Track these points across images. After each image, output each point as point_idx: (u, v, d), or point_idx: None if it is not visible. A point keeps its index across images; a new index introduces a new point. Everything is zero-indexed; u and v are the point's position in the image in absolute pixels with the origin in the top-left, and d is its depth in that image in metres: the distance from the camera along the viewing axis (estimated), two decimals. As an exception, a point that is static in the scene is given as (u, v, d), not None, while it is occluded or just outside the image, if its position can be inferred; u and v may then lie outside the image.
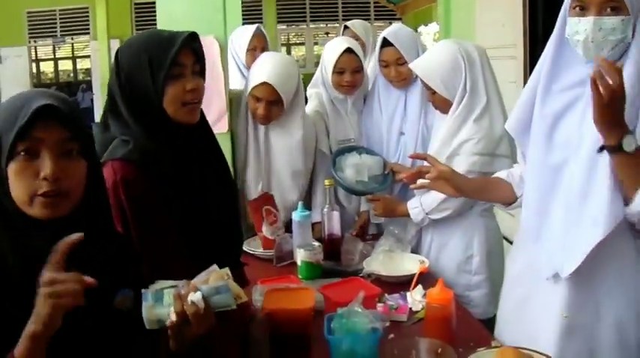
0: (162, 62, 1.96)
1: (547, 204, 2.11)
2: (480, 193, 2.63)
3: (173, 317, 1.49)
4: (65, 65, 23.58)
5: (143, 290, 1.52)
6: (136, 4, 16.39)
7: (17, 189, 1.42)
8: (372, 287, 2.41)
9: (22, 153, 1.41)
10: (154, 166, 1.98)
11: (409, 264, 2.84)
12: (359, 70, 3.37)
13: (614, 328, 2.08)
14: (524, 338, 2.12)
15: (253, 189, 3.30)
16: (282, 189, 3.32)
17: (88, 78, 21.67)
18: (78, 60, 22.95)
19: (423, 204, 2.98)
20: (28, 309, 1.36)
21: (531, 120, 2.17)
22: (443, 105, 2.94)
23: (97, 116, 16.30)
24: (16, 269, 1.42)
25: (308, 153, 3.37)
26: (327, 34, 17.81)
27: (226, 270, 1.62)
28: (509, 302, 2.38)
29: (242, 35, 4.23)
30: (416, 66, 2.96)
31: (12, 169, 1.41)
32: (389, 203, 3.16)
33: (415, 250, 3.10)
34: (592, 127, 1.86)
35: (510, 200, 2.45)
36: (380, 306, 2.38)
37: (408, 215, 3.06)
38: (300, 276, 2.79)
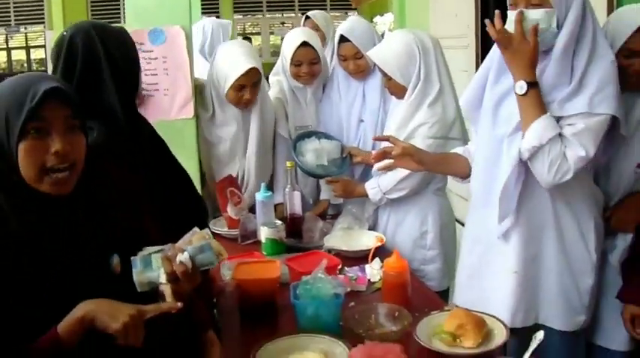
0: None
1: (493, 171, 2.36)
2: (440, 166, 2.83)
3: (163, 279, 1.63)
4: (18, 55, 23.13)
5: (132, 258, 1.65)
6: (91, -7, 16.17)
7: (27, 166, 1.54)
8: (332, 258, 2.58)
9: (33, 132, 1.52)
10: None
11: (367, 240, 3.00)
12: (316, 61, 3.50)
13: (557, 278, 2.38)
14: (480, 299, 2.40)
15: (225, 172, 3.43)
16: (255, 171, 3.47)
17: (42, 68, 21.40)
18: (32, 50, 22.55)
19: (380, 184, 3.14)
20: (32, 280, 1.51)
21: (483, 98, 2.42)
22: (398, 91, 3.09)
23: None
24: (21, 241, 1.54)
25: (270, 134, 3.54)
26: (282, 23, 17.86)
27: (207, 231, 1.75)
28: (466, 268, 2.61)
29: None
30: (373, 54, 3.10)
31: (23, 147, 1.52)
32: (348, 184, 3.31)
33: (373, 228, 3.25)
34: None
35: (467, 173, 2.66)
36: (340, 278, 2.51)
37: (366, 195, 3.21)
38: (264, 253, 2.93)
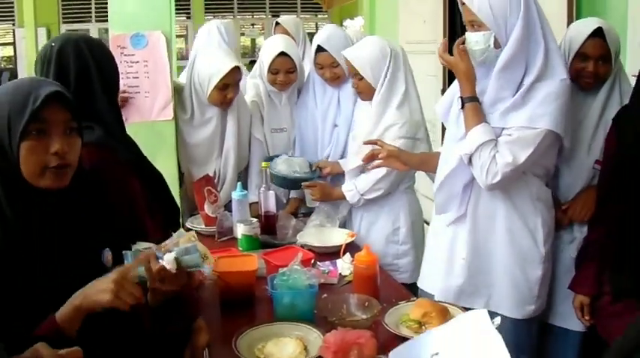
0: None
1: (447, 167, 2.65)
2: (424, 165, 3.08)
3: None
4: (-14, 52, 22.83)
5: (124, 252, 1.77)
6: (62, -8, 16.09)
7: (29, 164, 1.67)
8: (306, 252, 2.74)
9: (34, 133, 1.66)
10: None
11: (338, 237, 3.17)
12: (292, 70, 3.67)
13: (506, 269, 2.65)
14: (436, 282, 2.75)
15: (203, 171, 3.58)
16: (232, 169, 3.64)
17: (10, 66, 21.23)
18: (0, 47, 22.27)
19: (357, 186, 3.32)
20: (26, 270, 1.65)
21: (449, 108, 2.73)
22: (366, 91, 3.27)
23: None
24: (18, 232, 1.67)
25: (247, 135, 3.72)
26: (252, 25, 17.93)
27: (193, 233, 1.87)
28: (427, 256, 2.93)
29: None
30: (347, 52, 3.28)
31: (25, 147, 1.66)
32: (325, 188, 3.47)
33: (345, 226, 3.43)
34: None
35: None
36: (313, 270, 2.67)
37: (343, 197, 3.38)
38: (240, 248, 3.08)
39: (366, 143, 3.11)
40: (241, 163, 3.71)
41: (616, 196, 2.47)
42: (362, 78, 3.23)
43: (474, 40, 2.49)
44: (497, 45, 2.46)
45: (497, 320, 1.98)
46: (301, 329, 2.18)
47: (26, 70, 15.51)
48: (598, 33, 2.64)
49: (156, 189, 2.62)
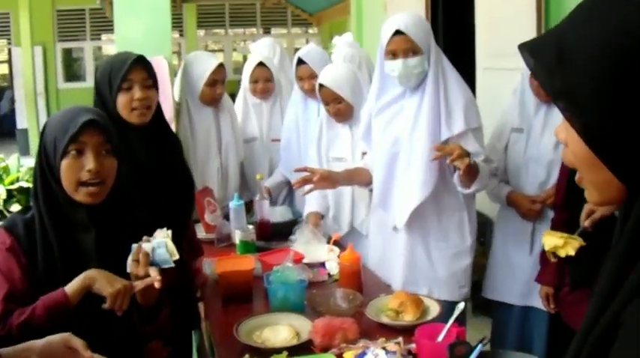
0: (116, 77, 2.56)
1: (388, 182, 3.09)
2: (351, 180, 3.41)
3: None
4: (-18, 70, 22.96)
5: (132, 244, 2.06)
6: (58, 11, 16.34)
7: (67, 179, 2.01)
8: (298, 253, 3.05)
9: (73, 152, 2.00)
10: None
11: (323, 253, 3.27)
12: (270, 79, 4.13)
13: (442, 261, 3.09)
14: (388, 276, 3.10)
15: (207, 171, 3.94)
16: (232, 162, 4.02)
17: (5, 83, 21.45)
18: (-5, 65, 22.40)
19: None
20: (65, 274, 1.98)
21: (370, 127, 3.17)
22: (346, 113, 3.52)
23: (20, 121, 16.35)
24: (56, 241, 2.02)
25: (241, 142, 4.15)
26: (244, 41, 18.22)
27: (168, 232, 2.12)
28: (375, 254, 3.27)
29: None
30: (324, 79, 3.49)
31: (64, 164, 2.00)
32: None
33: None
34: (416, 134, 2.98)
35: (370, 181, 3.29)
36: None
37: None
38: (238, 252, 3.37)
39: (297, 170, 3.35)
40: (239, 157, 4.08)
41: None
42: (341, 101, 3.46)
43: (412, 64, 2.88)
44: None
45: (461, 305, 2.32)
46: (293, 318, 2.48)
47: (23, 87, 15.79)
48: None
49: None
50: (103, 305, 1.92)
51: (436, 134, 2.93)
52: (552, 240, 2.56)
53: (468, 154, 2.79)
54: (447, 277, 3.09)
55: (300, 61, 3.90)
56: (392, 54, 2.90)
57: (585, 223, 2.59)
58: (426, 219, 3.05)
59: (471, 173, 2.83)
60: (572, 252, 2.50)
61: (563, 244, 2.54)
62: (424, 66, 2.91)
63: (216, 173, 3.97)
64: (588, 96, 0.87)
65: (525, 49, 0.95)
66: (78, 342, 1.69)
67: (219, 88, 3.82)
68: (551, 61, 0.90)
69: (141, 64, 2.62)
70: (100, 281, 1.96)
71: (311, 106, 4.00)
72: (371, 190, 3.34)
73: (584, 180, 0.96)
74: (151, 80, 2.65)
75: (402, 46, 2.87)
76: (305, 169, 3.28)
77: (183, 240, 2.89)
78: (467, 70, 5.32)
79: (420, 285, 3.06)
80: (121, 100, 2.58)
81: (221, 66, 3.83)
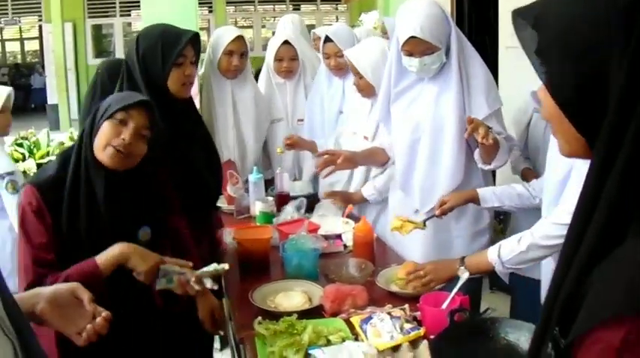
0: (171, 53, 2.67)
1: (410, 168, 3.14)
2: (368, 160, 3.49)
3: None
4: (12, 47, 23.23)
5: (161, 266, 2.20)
6: (88, -12, 16.48)
7: (101, 138, 2.18)
8: (312, 223, 3.17)
9: (118, 118, 2.18)
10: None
11: (339, 225, 3.43)
12: (295, 58, 4.18)
13: (462, 241, 3.13)
14: (407, 254, 3.10)
15: (225, 141, 4.00)
16: (252, 134, 4.08)
17: (36, 59, 21.69)
18: (26, 42, 22.69)
19: (376, 187, 3.60)
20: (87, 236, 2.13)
21: (389, 111, 3.21)
22: (367, 90, 3.56)
23: (50, 96, 16.59)
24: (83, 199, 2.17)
25: (264, 120, 4.18)
26: (274, 18, 18.22)
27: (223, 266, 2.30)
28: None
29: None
30: (349, 53, 3.58)
31: (105, 124, 2.18)
32: (345, 195, 3.73)
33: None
34: (440, 122, 3.02)
35: (385, 162, 3.39)
36: (320, 237, 3.04)
37: (364, 200, 3.66)
38: (257, 223, 3.48)
39: (319, 154, 3.46)
40: (259, 133, 4.14)
41: None
42: (362, 77, 3.51)
43: (430, 61, 2.92)
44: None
45: (466, 273, 2.41)
46: (307, 285, 2.60)
47: (53, 63, 16.00)
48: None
49: (187, 173, 2.83)
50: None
51: (461, 121, 2.95)
52: (394, 222, 2.88)
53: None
54: (465, 252, 3.05)
55: (328, 39, 3.97)
56: (408, 53, 2.95)
57: (437, 212, 2.89)
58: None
59: (494, 149, 2.89)
60: (405, 234, 2.85)
61: (401, 226, 2.82)
62: (442, 59, 2.94)
63: (232, 145, 4.04)
64: (556, 60, 1.01)
65: (516, 13, 1.09)
66: (84, 293, 1.74)
67: (235, 59, 3.86)
68: (531, 25, 1.05)
69: (195, 41, 2.76)
70: (134, 258, 2.11)
71: (336, 84, 4.07)
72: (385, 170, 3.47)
73: (556, 133, 1.09)
74: (196, 57, 2.80)
75: (418, 48, 2.90)
76: (326, 153, 3.36)
77: (214, 212, 3.03)
78: (490, 49, 5.41)
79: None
80: (174, 75, 2.70)
81: (240, 38, 3.87)
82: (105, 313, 1.72)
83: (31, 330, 1.44)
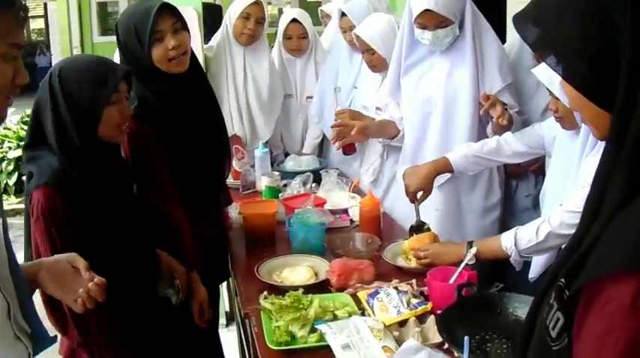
0: (144, 32, 2.48)
1: (421, 140, 3.15)
2: (379, 133, 3.42)
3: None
4: (17, 24, 23.23)
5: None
6: (93, -35, 16.35)
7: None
8: (318, 197, 3.14)
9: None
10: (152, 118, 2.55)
11: (345, 199, 3.38)
12: (304, 36, 4.14)
13: (474, 217, 3.11)
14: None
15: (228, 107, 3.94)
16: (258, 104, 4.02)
17: (41, 38, 21.66)
18: (31, 20, 22.63)
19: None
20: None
21: (399, 84, 3.19)
22: (380, 64, 3.51)
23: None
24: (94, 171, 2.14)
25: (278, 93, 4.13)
26: (280, -7, 18.07)
27: None
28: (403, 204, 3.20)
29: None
30: (359, 30, 3.53)
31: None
32: (355, 114, 3.58)
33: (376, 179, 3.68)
34: (451, 90, 3.01)
35: (395, 134, 3.33)
36: (326, 211, 3.00)
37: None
38: (263, 198, 3.45)
39: (333, 126, 3.40)
40: (273, 107, 4.09)
41: None
42: (374, 52, 3.46)
43: (443, 35, 2.91)
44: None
45: (474, 249, 2.38)
46: (313, 260, 2.58)
47: (59, 40, 15.94)
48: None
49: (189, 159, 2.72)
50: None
51: (476, 95, 2.95)
52: (409, 245, 2.65)
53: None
54: (477, 230, 3.09)
55: (343, 13, 3.92)
56: (422, 26, 2.93)
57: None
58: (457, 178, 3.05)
59: (508, 127, 2.87)
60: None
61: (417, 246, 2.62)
62: (455, 32, 2.93)
63: (238, 116, 3.99)
64: (560, 42, 1.03)
65: (515, 20, 1.11)
66: (81, 262, 1.74)
67: (251, 23, 3.81)
68: (531, 22, 1.08)
69: (165, 10, 2.52)
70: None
71: (355, 59, 3.98)
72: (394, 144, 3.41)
73: (586, 121, 1.09)
74: (179, 23, 2.56)
75: (431, 21, 2.88)
76: (340, 124, 3.33)
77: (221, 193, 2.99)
78: (498, 25, 5.34)
79: (454, 232, 3.06)
80: (157, 53, 2.51)
81: (258, 3, 3.80)
82: (97, 279, 1.72)
83: (27, 293, 1.53)
